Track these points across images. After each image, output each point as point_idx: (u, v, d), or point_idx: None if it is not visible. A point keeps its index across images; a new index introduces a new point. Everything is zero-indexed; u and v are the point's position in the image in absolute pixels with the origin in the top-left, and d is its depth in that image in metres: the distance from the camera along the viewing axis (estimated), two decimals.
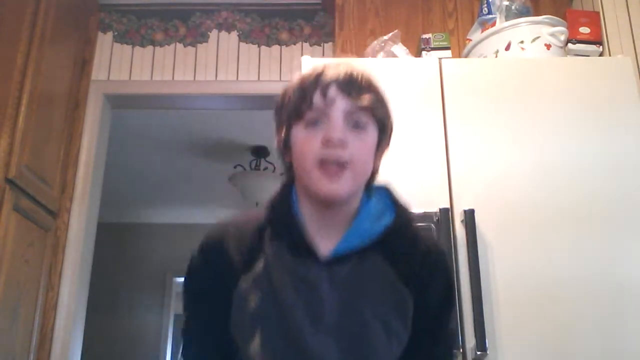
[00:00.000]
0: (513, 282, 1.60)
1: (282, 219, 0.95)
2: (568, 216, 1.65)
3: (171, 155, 4.17)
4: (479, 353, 1.51)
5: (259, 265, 0.93)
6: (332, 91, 0.91)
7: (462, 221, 1.64)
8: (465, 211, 1.63)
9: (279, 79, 2.66)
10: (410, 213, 0.98)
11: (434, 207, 1.65)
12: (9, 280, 1.99)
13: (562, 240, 1.63)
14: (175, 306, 5.62)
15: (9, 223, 1.99)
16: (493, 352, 1.53)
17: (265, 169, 4.09)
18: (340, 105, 0.90)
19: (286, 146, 0.96)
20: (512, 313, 1.57)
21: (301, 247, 0.92)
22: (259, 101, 2.72)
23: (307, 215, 0.95)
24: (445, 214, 1.63)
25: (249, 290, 0.91)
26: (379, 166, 0.99)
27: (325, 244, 0.93)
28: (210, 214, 5.27)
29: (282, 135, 0.97)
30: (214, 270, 0.95)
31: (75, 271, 2.40)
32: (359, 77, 0.93)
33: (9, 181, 2.00)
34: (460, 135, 1.74)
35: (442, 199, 1.67)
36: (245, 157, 4.08)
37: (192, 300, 1.00)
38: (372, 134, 0.94)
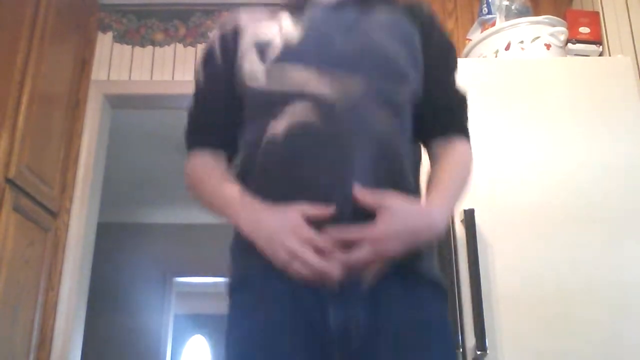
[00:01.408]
0: (513, 282, 1.60)
1: None
2: (568, 216, 1.65)
3: (171, 155, 4.16)
4: (479, 353, 1.51)
5: (270, 25, 1.01)
6: None
7: (462, 221, 1.64)
8: (465, 211, 1.63)
9: None
10: None
11: None
12: (9, 280, 1.99)
13: (562, 240, 1.63)
14: (175, 306, 5.62)
15: (9, 223, 1.99)
16: (493, 352, 1.53)
17: None
18: None
19: None
20: (512, 313, 1.57)
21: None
22: None
23: None
24: None
25: (254, 43, 0.98)
26: None
27: None
28: (210, 214, 5.26)
29: None
30: (227, 32, 1.04)
31: (75, 271, 2.40)
32: None
33: (9, 181, 2.00)
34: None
35: None
36: None
37: (206, 62, 1.06)
38: None
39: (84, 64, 2.64)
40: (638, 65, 1.90)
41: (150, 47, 2.74)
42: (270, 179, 0.91)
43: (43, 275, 2.27)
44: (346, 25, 0.98)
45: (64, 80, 2.45)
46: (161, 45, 2.75)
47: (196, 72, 1.07)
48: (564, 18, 2.02)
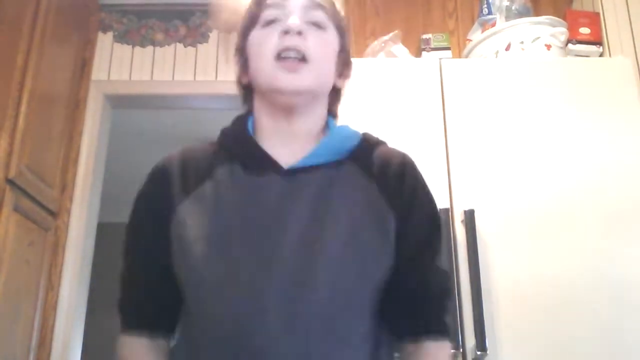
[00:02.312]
0: (513, 282, 1.60)
1: (235, 139, 0.88)
2: (568, 216, 1.65)
3: None
4: (479, 353, 1.51)
5: (205, 187, 0.83)
6: None
7: (462, 221, 1.64)
8: (465, 211, 1.63)
9: None
10: (375, 137, 0.92)
11: None
12: (9, 280, 1.99)
13: (562, 240, 1.63)
14: None
15: (9, 223, 1.99)
16: (493, 352, 1.53)
17: None
18: (296, 0, 0.87)
19: (243, 66, 0.90)
20: (512, 313, 1.57)
21: (257, 159, 0.84)
22: None
23: (267, 130, 0.87)
24: (445, 214, 1.63)
25: (190, 213, 0.81)
26: (342, 86, 0.92)
27: (286, 159, 0.84)
28: None
29: (239, 51, 0.91)
30: (155, 202, 0.86)
31: (75, 271, 2.40)
32: None
33: (9, 181, 2.00)
34: (460, 136, 1.75)
35: (442, 199, 1.67)
36: None
37: (132, 236, 0.89)
38: (332, 35, 0.88)
39: (84, 64, 2.64)
40: (638, 66, 1.90)
41: (150, 47, 2.74)
42: None
43: (43, 275, 2.27)
44: (300, 212, 0.80)
45: (64, 80, 2.45)
46: (161, 45, 2.75)
47: (126, 241, 0.89)
48: (564, 18, 2.02)
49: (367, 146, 0.89)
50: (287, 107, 0.85)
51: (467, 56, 2.11)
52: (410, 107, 1.78)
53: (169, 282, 0.83)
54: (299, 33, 0.83)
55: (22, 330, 2.11)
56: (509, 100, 1.78)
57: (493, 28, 2.04)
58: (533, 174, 1.70)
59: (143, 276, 0.87)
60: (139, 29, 2.78)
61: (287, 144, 0.86)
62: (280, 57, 0.82)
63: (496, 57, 1.98)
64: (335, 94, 0.91)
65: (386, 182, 0.85)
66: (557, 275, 1.60)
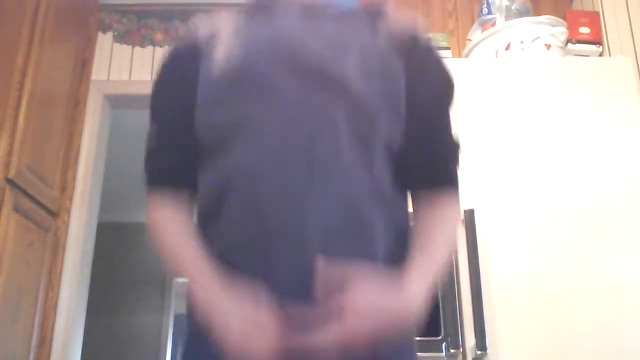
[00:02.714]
0: (513, 282, 1.60)
1: None
2: (568, 216, 1.65)
3: None
4: (479, 353, 1.51)
5: (227, 39, 0.87)
6: None
7: (462, 221, 1.64)
8: (465, 211, 1.63)
9: None
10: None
11: None
12: (9, 280, 1.99)
13: (562, 240, 1.63)
14: (176, 306, 5.61)
15: (9, 223, 1.99)
16: (493, 352, 1.53)
17: None
18: None
19: None
20: (512, 313, 1.57)
21: (278, 3, 0.89)
22: None
23: None
24: None
25: (214, 61, 0.85)
26: None
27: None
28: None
29: None
30: (180, 65, 0.91)
31: (75, 271, 2.40)
32: None
33: (9, 181, 2.00)
34: (460, 136, 1.74)
35: None
36: None
37: (159, 96, 0.94)
38: None
39: (84, 64, 2.64)
40: (638, 66, 1.90)
41: (150, 47, 2.74)
42: (228, 231, 0.82)
43: (43, 275, 2.27)
44: (314, 45, 0.84)
45: (64, 80, 2.45)
46: (161, 45, 2.74)
47: (151, 97, 0.95)
48: (564, 18, 2.02)
49: (379, 7, 0.92)
50: None
51: (467, 56, 2.11)
52: None
53: (191, 140, 0.87)
54: None
55: (22, 330, 2.11)
56: (508, 100, 1.78)
57: (493, 28, 2.04)
58: (533, 173, 1.70)
59: (170, 134, 0.92)
60: (138, 29, 2.77)
61: None
62: None
63: (496, 56, 1.98)
64: None
65: (392, 34, 0.88)
66: (557, 275, 1.60)
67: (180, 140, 0.90)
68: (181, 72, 0.90)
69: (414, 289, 0.75)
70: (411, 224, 0.88)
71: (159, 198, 0.92)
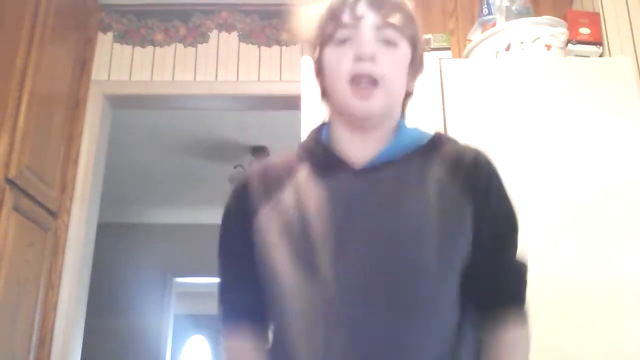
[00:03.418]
0: None
1: (310, 148, 0.96)
2: (568, 216, 1.65)
3: (171, 155, 4.17)
4: None
5: (283, 193, 0.92)
6: (361, 8, 0.91)
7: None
8: None
9: (279, 80, 2.66)
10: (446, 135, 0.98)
11: None
12: (9, 280, 1.99)
13: (562, 240, 1.63)
14: (175, 306, 5.61)
15: (9, 223, 1.99)
16: None
17: None
18: (369, 20, 0.91)
19: (319, 70, 0.97)
20: None
21: (330, 162, 0.92)
22: (259, 101, 2.71)
23: (342, 136, 0.94)
24: None
25: (270, 218, 0.90)
26: (412, 89, 0.99)
27: (359, 160, 0.91)
28: (210, 214, 5.25)
29: (316, 58, 0.97)
30: (239, 212, 0.95)
31: (75, 271, 2.40)
32: None
33: (9, 181, 2.00)
34: (460, 136, 1.74)
35: None
36: (245, 157, 4.08)
37: (223, 249, 0.99)
38: (403, 51, 0.93)
39: (84, 64, 2.64)
40: (638, 66, 1.90)
41: (150, 47, 2.74)
42: None
43: (43, 275, 2.27)
44: (377, 205, 0.87)
45: (64, 80, 2.45)
46: (161, 45, 2.74)
47: (218, 253, 0.99)
48: (564, 19, 2.02)
49: (437, 143, 0.94)
50: (361, 125, 0.93)
51: (467, 56, 2.11)
52: (410, 107, 1.78)
53: (259, 283, 0.91)
54: (371, 58, 0.88)
55: (22, 330, 2.11)
56: (509, 100, 1.78)
57: (493, 28, 2.04)
58: (533, 174, 1.70)
59: (239, 285, 0.96)
60: (138, 29, 2.78)
61: (360, 148, 0.92)
62: (353, 81, 0.89)
63: (496, 57, 1.98)
64: (406, 96, 0.99)
65: (459, 174, 0.89)
66: (557, 275, 1.60)
67: (249, 280, 0.93)
68: (243, 221, 0.94)
69: None
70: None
71: (233, 329, 0.96)
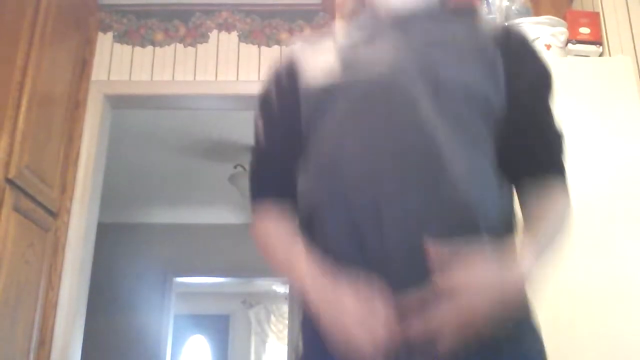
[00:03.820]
0: None
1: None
2: None
3: (171, 155, 4.17)
4: None
5: (325, 45, 0.95)
6: None
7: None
8: None
9: None
10: None
11: None
12: (9, 280, 1.99)
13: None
14: (175, 306, 5.62)
15: (9, 223, 1.99)
16: None
17: None
18: None
19: None
20: None
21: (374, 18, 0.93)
22: None
23: None
24: None
25: (314, 67, 0.91)
26: None
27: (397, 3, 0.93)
28: (210, 214, 5.27)
29: None
30: (284, 77, 0.96)
31: (75, 271, 2.40)
32: None
33: (9, 181, 2.00)
34: None
35: None
36: (245, 157, 4.07)
37: (264, 108, 0.99)
38: None
39: (84, 64, 2.64)
40: (638, 66, 1.90)
41: (150, 47, 2.74)
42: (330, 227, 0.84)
43: (43, 275, 2.27)
44: (415, 45, 0.88)
45: (64, 80, 2.45)
46: (161, 45, 2.75)
47: (255, 119, 1.00)
48: (564, 18, 2.02)
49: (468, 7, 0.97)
50: None
51: None
52: None
53: (298, 149, 0.92)
54: None
55: (22, 330, 2.12)
56: None
57: None
58: None
59: (274, 147, 0.96)
60: (138, 29, 2.78)
61: None
62: None
63: None
64: None
65: (488, 28, 0.93)
66: (557, 275, 1.60)
67: (282, 152, 0.95)
68: (283, 87, 0.95)
69: (525, 265, 0.77)
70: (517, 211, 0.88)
71: (264, 208, 0.95)
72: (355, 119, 0.85)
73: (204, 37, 2.76)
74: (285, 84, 0.95)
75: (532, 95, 0.90)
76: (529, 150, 0.89)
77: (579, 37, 1.97)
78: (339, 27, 1.01)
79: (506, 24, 0.97)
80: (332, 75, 0.88)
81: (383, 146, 0.81)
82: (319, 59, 0.93)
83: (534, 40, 0.92)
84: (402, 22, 0.91)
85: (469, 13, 0.95)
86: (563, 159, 0.91)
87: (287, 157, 0.94)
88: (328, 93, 0.87)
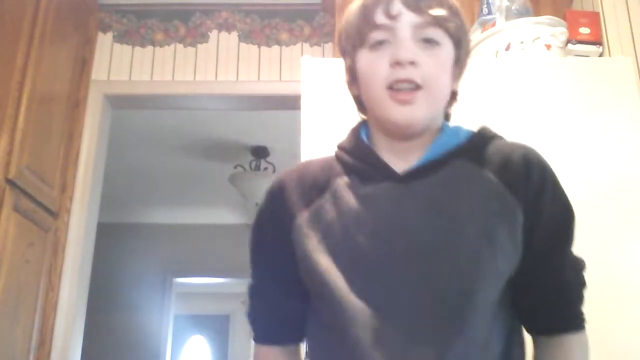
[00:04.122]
0: None
1: (352, 151, 0.86)
2: None
3: (171, 155, 4.17)
4: None
5: (323, 199, 0.83)
6: (396, 5, 0.81)
7: None
8: None
9: (279, 80, 2.67)
10: (493, 131, 0.87)
11: None
12: (9, 280, 1.99)
13: None
14: (175, 306, 5.61)
15: (9, 223, 1.99)
16: None
17: (265, 169, 4.10)
18: (406, 19, 0.80)
19: (353, 78, 0.87)
20: None
21: (374, 168, 0.82)
22: (259, 101, 2.72)
23: (381, 144, 0.85)
24: None
25: (310, 226, 0.82)
26: (457, 89, 0.90)
27: (401, 165, 0.82)
28: (210, 214, 5.27)
29: (348, 65, 0.88)
30: (274, 215, 0.87)
31: (75, 271, 2.40)
32: None
33: (9, 181, 2.00)
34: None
35: None
36: (245, 157, 4.08)
37: (256, 251, 0.91)
38: (447, 49, 0.83)
39: (84, 64, 2.64)
40: (638, 66, 1.90)
41: (150, 47, 2.74)
42: None
43: (43, 275, 2.27)
44: (421, 209, 0.79)
45: (64, 80, 2.45)
46: (161, 45, 2.75)
47: (250, 255, 0.92)
48: (564, 18, 2.02)
49: (482, 139, 0.86)
50: (402, 134, 0.84)
51: None
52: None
53: (295, 293, 0.85)
54: (411, 62, 0.79)
55: (22, 330, 2.11)
56: (508, 100, 1.78)
57: (493, 28, 2.04)
58: None
59: (270, 291, 0.89)
60: (138, 29, 2.78)
61: (402, 156, 0.84)
62: (392, 88, 0.79)
63: (496, 57, 1.98)
64: (451, 97, 0.89)
65: (508, 174, 0.81)
66: None
67: (282, 297, 0.88)
68: (278, 224, 0.86)
69: None
70: None
71: (265, 351, 0.91)
72: (364, 292, 0.77)
73: (204, 37, 2.76)
74: (283, 223, 0.85)
75: (551, 245, 0.83)
76: (546, 306, 0.85)
77: (579, 37, 1.97)
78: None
79: (524, 150, 0.86)
80: (333, 244, 0.80)
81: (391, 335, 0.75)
82: (315, 211, 0.83)
83: (549, 169, 0.85)
84: (410, 177, 0.81)
85: (485, 146, 0.86)
86: (581, 311, 0.89)
87: (290, 303, 0.87)
88: (328, 270, 0.79)
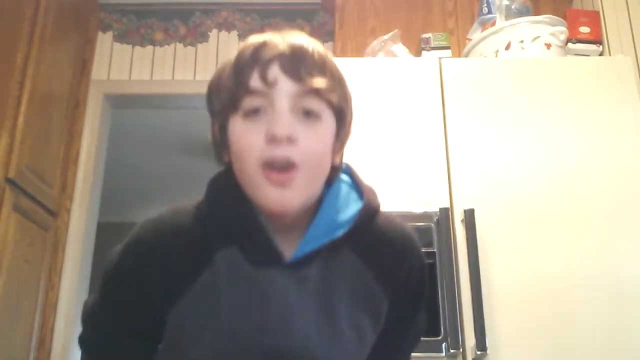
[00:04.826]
0: (513, 282, 1.60)
1: (237, 220, 0.77)
2: (567, 216, 1.65)
3: (171, 155, 4.17)
4: (479, 353, 1.51)
5: (203, 278, 0.75)
6: (274, 71, 0.71)
7: (462, 221, 1.64)
8: (465, 211, 1.63)
9: None
10: (376, 200, 0.81)
11: (433, 207, 1.65)
12: (9, 280, 1.99)
13: (562, 240, 1.63)
14: None
15: (9, 223, 1.99)
16: (493, 352, 1.53)
17: None
18: (284, 87, 0.71)
19: (223, 143, 0.78)
20: (512, 313, 1.57)
21: (261, 250, 0.75)
22: None
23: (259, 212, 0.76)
24: (445, 214, 1.63)
25: (190, 309, 0.75)
26: (340, 162, 0.81)
27: (286, 245, 0.76)
28: None
29: (217, 130, 0.78)
30: (141, 278, 0.79)
31: (75, 271, 2.40)
32: (308, 51, 0.73)
33: (9, 181, 2.00)
34: (460, 135, 1.74)
35: (442, 198, 1.67)
36: None
37: (117, 291, 0.84)
38: (327, 123, 0.74)
39: (84, 64, 2.64)
40: (638, 65, 1.90)
41: (150, 47, 2.74)
42: None
43: (43, 275, 2.27)
44: (307, 311, 0.76)
45: (64, 80, 2.45)
46: (161, 45, 2.75)
47: (102, 290, 0.87)
48: (564, 17, 2.02)
49: (364, 221, 0.78)
50: (277, 216, 0.76)
51: (467, 55, 2.11)
52: (410, 107, 1.78)
53: (143, 336, 0.82)
54: (288, 139, 0.70)
55: (22, 330, 2.11)
56: (508, 99, 1.78)
57: (493, 27, 2.04)
58: (533, 173, 1.70)
59: (117, 333, 0.84)
60: (138, 28, 2.78)
61: (283, 230, 0.77)
62: (266, 165, 0.71)
63: (496, 56, 1.98)
64: (332, 170, 0.79)
65: (383, 268, 0.80)
66: (557, 275, 1.60)
67: (129, 345, 0.83)
68: (145, 290, 0.78)
69: None
70: None
71: None
72: None
73: (203, 37, 2.76)
74: (142, 293, 0.78)
75: (405, 315, 0.87)
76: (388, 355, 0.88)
77: (579, 37, 1.97)
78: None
79: (402, 238, 0.83)
80: (213, 339, 0.74)
81: None
82: (194, 294, 0.75)
83: (421, 258, 0.87)
84: (299, 267, 0.75)
85: (365, 229, 0.79)
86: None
87: (129, 341, 0.83)
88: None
